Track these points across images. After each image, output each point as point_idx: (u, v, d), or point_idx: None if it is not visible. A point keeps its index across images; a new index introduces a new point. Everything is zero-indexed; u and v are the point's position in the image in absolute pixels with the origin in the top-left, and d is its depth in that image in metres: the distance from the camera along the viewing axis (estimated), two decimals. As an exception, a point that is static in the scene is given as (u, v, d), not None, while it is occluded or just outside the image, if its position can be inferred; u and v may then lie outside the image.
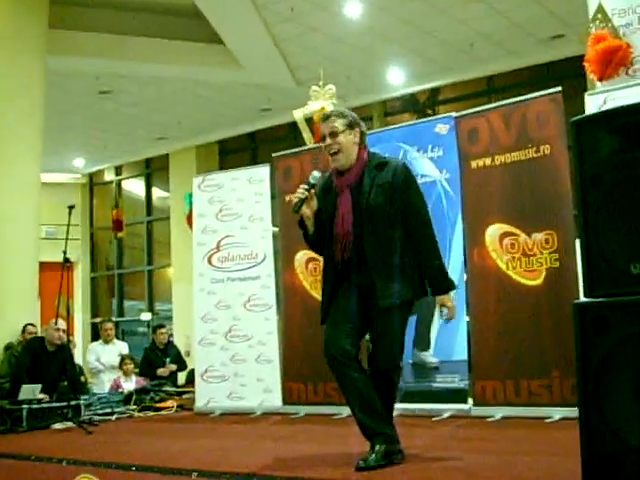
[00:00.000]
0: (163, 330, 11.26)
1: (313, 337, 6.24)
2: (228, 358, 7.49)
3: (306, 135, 10.61)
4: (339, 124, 4.27)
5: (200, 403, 7.66)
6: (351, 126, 4.30)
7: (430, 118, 7.43)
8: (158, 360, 10.92)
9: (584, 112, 5.12)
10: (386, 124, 14.60)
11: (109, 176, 21.16)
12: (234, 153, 17.99)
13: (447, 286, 4.27)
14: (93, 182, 21.50)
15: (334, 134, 4.26)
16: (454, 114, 6.54)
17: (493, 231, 6.14)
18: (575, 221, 5.84)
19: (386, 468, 3.95)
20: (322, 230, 4.31)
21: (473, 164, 6.29)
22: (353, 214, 4.23)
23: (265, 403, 7.12)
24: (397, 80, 14.14)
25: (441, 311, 4.36)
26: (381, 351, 4.25)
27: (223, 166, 17.05)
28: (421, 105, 15.41)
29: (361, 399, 4.18)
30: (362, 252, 4.19)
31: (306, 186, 4.25)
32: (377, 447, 4.06)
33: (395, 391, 4.42)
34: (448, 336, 6.35)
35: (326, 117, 4.35)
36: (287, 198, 5.23)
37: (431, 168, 6.56)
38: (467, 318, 6.30)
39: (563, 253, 5.80)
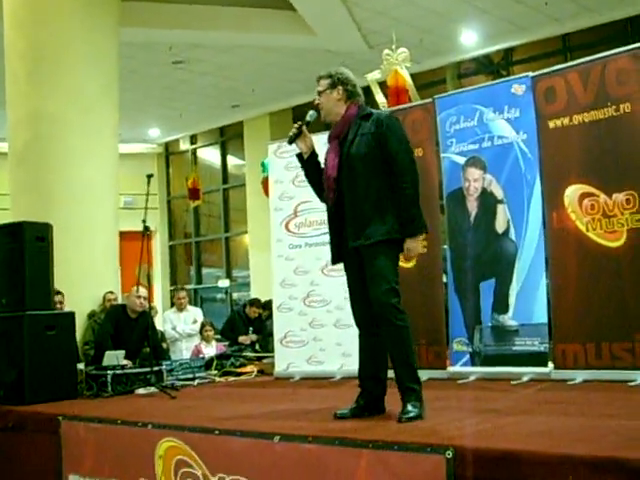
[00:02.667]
0: (255, 309, 11.39)
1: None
2: (307, 323, 7.53)
3: (379, 99, 10.55)
4: (321, 85, 4.78)
5: (280, 368, 7.73)
6: (333, 85, 4.74)
7: (506, 78, 7.29)
8: (242, 327, 11.07)
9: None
10: (460, 86, 14.42)
11: (184, 145, 21.36)
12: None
13: (411, 231, 4.53)
14: (169, 151, 21.73)
15: (318, 93, 4.80)
16: (531, 74, 6.40)
17: (572, 192, 6.03)
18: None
19: (469, 429, 3.95)
20: (321, 176, 4.79)
21: (551, 124, 6.17)
22: (338, 163, 4.64)
23: (344, 367, 7.14)
24: (470, 41, 13.95)
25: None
26: (370, 293, 4.55)
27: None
28: (495, 66, 15.18)
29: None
30: (343, 197, 4.63)
31: (300, 122, 4.80)
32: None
33: (402, 336, 4.53)
34: (527, 299, 6.27)
35: (317, 79, 4.83)
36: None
37: (508, 129, 6.45)
38: (547, 281, 6.22)
39: (645, 213, 5.68)
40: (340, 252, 4.74)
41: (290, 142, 4.84)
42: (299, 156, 4.92)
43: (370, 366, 4.71)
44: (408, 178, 4.52)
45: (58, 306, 8.74)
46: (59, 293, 8.74)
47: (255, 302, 11.65)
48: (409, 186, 4.51)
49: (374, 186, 4.53)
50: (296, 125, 4.79)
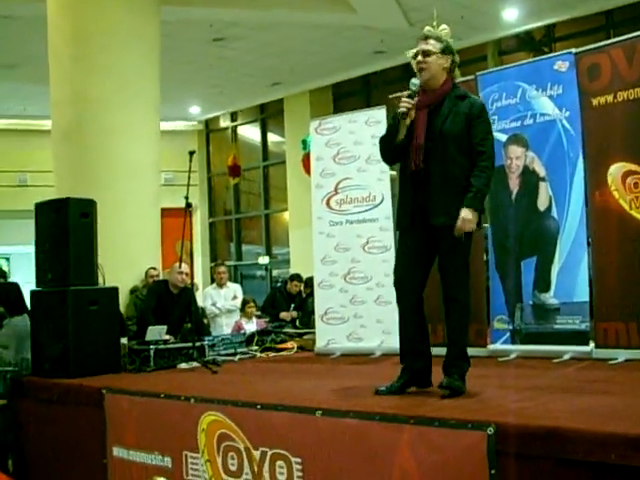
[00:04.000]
0: (297, 283, 11.45)
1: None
2: (347, 300, 7.54)
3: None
4: (433, 45, 4.60)
5: (320, 344, 7.77)
6: (444, 51, 4.62)
7: (549, 55, 7.22)
8: (283, 303, 11.13)
9: None
10: (501, 63, 14.29)
11: (225, 122, 21.43)
12: (348, 97, 17.97)
13: (470, 203, 4.45)
14: (209, 129, 21.82)
15: (427, 53, 4.59)
16: (574, 50, 6.34)
17: (615, 170, 5.97)
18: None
19: (510, 406, 3.97)
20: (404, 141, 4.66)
21: (594, 101, 6.11)
22: (427, 133, 4.56)
23: (384, 344, 7.16)
24: (512, 17, 13.81)
25: None
26: (444, 271, 4.61)
27: (337, 110, 17.04)
28: (537, 43, 15.00)
29: None
30: (429, 170, 4.54)
31: (408, 93, 4.58)
32: None
33: (465, 314, 4.67)
34: (569, 277, 6.24)
35: (425, 37, 4.66)
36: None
37: (550, 107, 6.40)
38: (589, 259, 6.18)
39: (689, 191, 5.62)
40: (412, 219, 4.64)
41: (403, 117, 4.58)
42: (393, 125, 4.74)
43: (411, 341, 4.72)
44: (489, 163, 4.54)
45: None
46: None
47: (295, 277, 11.71)
48: (488, 167, 4.52)
49: (462, 165, 4.52)
50: (409, 99, 4.55)
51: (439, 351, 4.67)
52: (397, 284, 4.75)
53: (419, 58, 4.61)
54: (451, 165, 4.50)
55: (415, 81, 4.59)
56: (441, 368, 4.56)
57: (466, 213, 4.43)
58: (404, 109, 4.55)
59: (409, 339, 4.73)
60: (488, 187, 4.56)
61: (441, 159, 4.51)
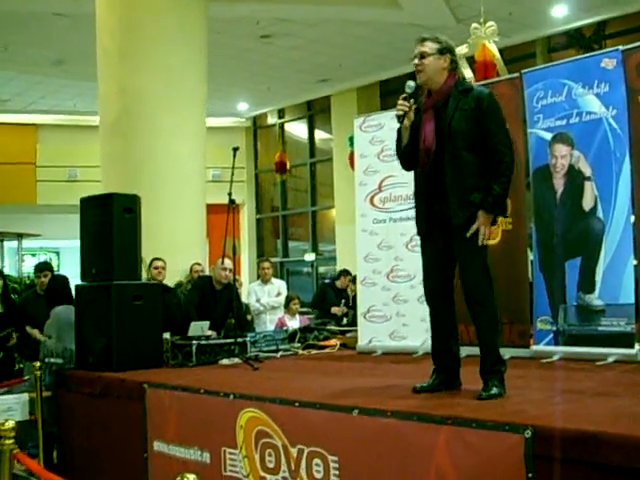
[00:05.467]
0: (349, 277, 11.45)
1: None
2: (390, 298, 7.52)
3: (467, 73, 10.43)
4: (428, 47, 4.62)
5: (362, 342, 7.75)
6: (442, 52, 4.62)
7: (596, 52, 7.11)
8: (334, 298, 11.14)
9: None
10: (550, 61, 14.13)
11: (272, 119, 21.50)
12: (395, 94, 17.86)
13: (488, 206, 4.46)
14: (257, 125, 21.91)
15: (423, 55, 4.62)
16: (621, 47, 6.24)
17: (663, 170, 5.88)
18: None
19: (549, 408, 3.93)
20: (413, 145, 4.67)
21: (642, 99, 6.02)
22: (435, 134, 4.56)
23: (427, 343, 7.11)
24: (561, 14, 13.66)
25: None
26: (463, 275, 4.58)
27: (384, 107, 16.96)
28: (587, 40, 14.80)
29: None
30: (442, 171, 4.52)
31: (404, 95, 4.63)
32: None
33: (493, 318, 4.57)
34: (614, 278, 6.14)
35: (422, 39, 4.68)
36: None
37: (597, 105, 6.30)
38: (635, 261, 6.09)
39: None
40: (430, 223, 4.68)
41: (400, 121, 4.65)
42: (399, 130, 4.77)
43: (442, 341, 4.74)
44: (507, 159, 4.52)
45: (155, 272, 8.94)
46: (159, 259, 8.94)
47: (344, 273, 11.73)
48: (508, 167, 4.51)
49: (475, 163, 4.50)
50: (404, 103, 4.61)
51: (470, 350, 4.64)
52: (425, 289, 4.79)
53: (415, 61, 4.66)
54: (463, 163, 4.49)
55: (411, 83, 4.65)
56: (475, 368, 4.53)
57: (483, 217, 4.46)
58: (400, 112, 4.61)
59: (439, 340, 4.76)
60: (508, 189, 4.54)
61: (452, 158, 4.51)
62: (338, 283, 11.58)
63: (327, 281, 12.58)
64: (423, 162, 4.61)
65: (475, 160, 4.49)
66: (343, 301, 11.19)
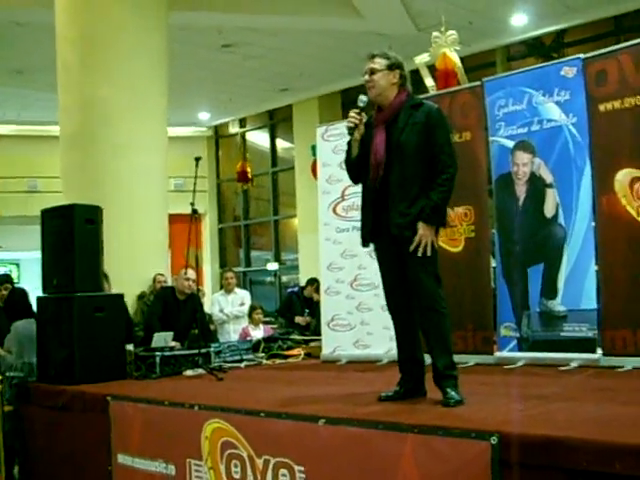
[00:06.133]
0: (316, 285, 11.45)
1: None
2: (354, 306, 7.52)
3: (428, 82, 10.49)
4: (378, 63, 4.71)
5: (327, 351, 7.74)
6: (391, 67, 4.70)
7: (556, 61, 7.18)
8: (299, 308, 11.13)
9: None
10: (510, 69, 14.26)
11: (234, 128, 21.47)
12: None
13: (426, 217, 4.52)
14: (218, 134, 21.87)
15: (372, 72, 4.71)
16: (581, 55, 6.30)
17: (623, 176, 5.93)
18: None
19: (515, 415, 3.94)
20: (362, 158, 4.73)
21: (601, 107, 6.07)
22: (385, 148, 4.61)
23: (391, 351, 7.12)
24: (521, 23, 13.80)
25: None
26: (413, 283, 4.60)
27: (346, 116, 16.88)
28: (546, 48, 14.96)
29: None
30: (389, 183, 4.59)
31: (357, 110, 4.71)
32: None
33: (445, 324, 4.61)
34: (576, 284, 6.20)
35: (372, 56, 4.76)
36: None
37: (557, 112, 6.36)
38: (596, 266, 6.15)
39: (698, 197, 5.58)
40: (373, 235, 4.75)
41: (350, 134, 4.75)
42: (349, 142, 4.86)
43: (407, 349, 4.76)
44: (451, 170, 4.57)
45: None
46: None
47: (311, 281, 11.73)
48: (449, 179, 4.56)
49: (420, 176, 4.56)
50: (355, 115, 4.71)
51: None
52: (386, 300, 4.86)
53: (366, 77, 4.74)
54: (410, 177, 4.55)
55: (363, 97, 4.74)
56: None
57: (423, 228, 4.51)
58: (351, 124, 4.70)
59: (404, 348, 4.79)
60: (448, 199, 4.61)
61: (400, 172, 4.57)
62: (305, 292, 11.58)
63: (295, 290, 12.57)
64: (373, 175, 4.66)
65: (421, 173, 4.56)
66: (307, 311, 11.18)
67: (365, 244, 4.85)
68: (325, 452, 4.07)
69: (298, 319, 11.02)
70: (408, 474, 3.68)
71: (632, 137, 5.91)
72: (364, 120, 4.76)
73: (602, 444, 3.14)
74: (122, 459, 5.46)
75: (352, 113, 4.73)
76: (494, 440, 3.37)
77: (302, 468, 4.15)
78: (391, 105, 4.72)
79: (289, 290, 12.84)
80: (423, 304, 4.57)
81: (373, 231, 4.73)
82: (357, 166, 4.81)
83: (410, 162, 4.56)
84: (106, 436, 5.58)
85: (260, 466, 4.38)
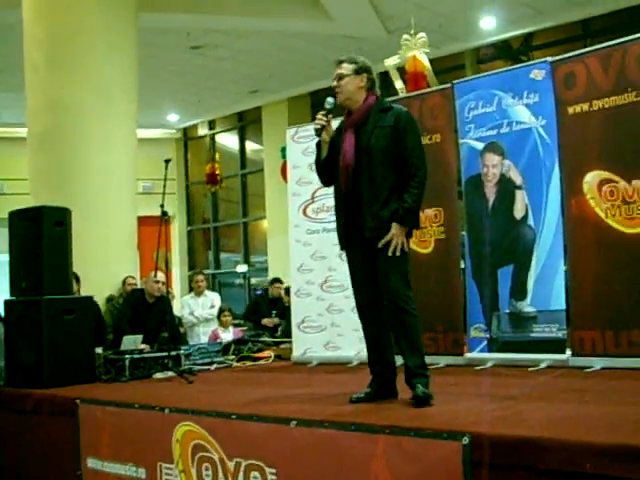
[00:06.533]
0: (279, 285, 11.49)
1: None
2: (324, 308, 7.53)
3: (398, 84, 10.52)
4: (345, 68, 4.76)
5: (297, 353, 7.74)
6: (358, 72, 4.75)
7: (525, 64, 7.24)
8: (265, 310, 11.12)
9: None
10: (479, 72, 14.29)
11: (203, 130, 21.39)
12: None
13: (400, 219, 4.58)
14: (187, 136, 21.78)
15: (340, 77, 4.76)
16: (550, 59, 6.36)
17: (591, 178, 5.98)
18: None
19: (485, 415, 3.96)
20: (332, 162, 4.78)
21: (570, 110, 6.13)
22: (355, 151, 4.67)
23: (362, 353, 7.12)
24: (490, 26, 13.87)
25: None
26: (384, 281, 4.62)
27: (315, 118, 16.99)
28: (515, 51, 15.07)
29: None
30: (359, 186, 4.63)
31: (323, 112, 4.77)
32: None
33: (415, 325, 4.64)
34: (545, 285, 6.24)
35: (339, 61, 4.81)
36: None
37: (527, 115, 6.41)
38: (565, 267, 6.19)
39: (665, 200, 5.64)
40: (350, 238, 4.78)
41: (318, 134, 4.80)
42: (318, 144, 4.90)
43: (377, 351, 4.80)
44: (421, 173, 4.62)
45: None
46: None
47: (276, 280, 11.75)
48: (421, 181, 4.61)
49: (391, 178, 4.61)
50: (322, 117, 4.76)
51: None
52: (356, 302, 4.91)
53: (334, 83, 4.79)
54: (379, 178, 4.60)
55: (330, 99, 4.79)
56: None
57: (395, 228, 4.56)
58: (318, 126, 4.76)
59: (374, 350, 4.82)
60: (420, 202, 4.66)
61: (370, 175, 4.61)
62: (270, 292, 11.58)
63: (258, 292, 12.57)
64: (343, 179, 4.71)
65: (391, 176, 4.61)
66: (274, 312, 11.18)
67: (342, 248, 4.90)
68: (297, 454, 4.07)
69: (265, 321, 11.00)
70: (380, 475, 3.69)
71: (600, 139, 5.97)
72: (331, 122, 4.81)
73: (572, 444, 3.16)
74: (92, 463, 5.42)
75: (319, 115, 4.78)
76: (465, 440, 3.39)
77: (274, 470, 4.15)
78: (359, 109, 4.77)
79: (255, 293, 12.80)
80: (393, 306, 4.60)
81: (347, 235, 4.77)
82: (327, 168, 4.84)
83: (379, 165, 4.60)
84: (75, 440, 5.54)
85: (231, 469, 4.37)
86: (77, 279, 8.80)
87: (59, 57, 10.02)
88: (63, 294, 6.68)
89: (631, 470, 2.95)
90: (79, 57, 10.04)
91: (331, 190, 7.19)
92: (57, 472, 5.80)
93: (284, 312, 11.25)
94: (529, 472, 3.25)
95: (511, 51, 15.09)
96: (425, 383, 4.48)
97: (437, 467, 3.49)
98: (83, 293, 8.29)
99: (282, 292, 11.44)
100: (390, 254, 4.54)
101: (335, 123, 4.93)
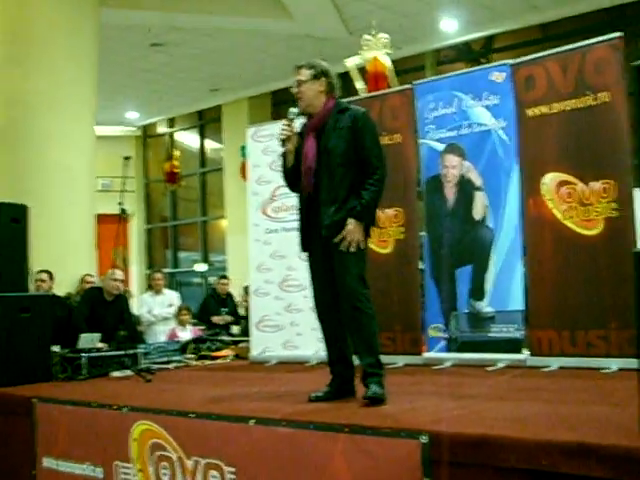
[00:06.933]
0: (225, 281, 11.55)
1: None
2: (283, 308, 7.53)
3: (359, 84, 10.56)
4: (303, 74, 4.80)
5: (256, 352, 7.73)
6: (317, 77, 4.79)
7: (485, 65, 7.30)
8: (215, 308, 11.11)
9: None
10: (439, 73, 14.33)
11: (162, 128, 21.28)
12: (287, 104, 17.92)
13: (356, 215, 4.59)
14: (147, 134, 21.64)
15: (299, 83, 4.80)
16: (510, 61, 6.42)
17: (549, 180, 6.04)
18: (634, 170, 5.76)
19: (444, 414, 3.98)
20: (297, 167, 4.81)
21: (529, 112, 6.18)
22: (316, 154, 4.71)
23: (320, 352, 7.12)
24: (451, 28, 13.97)
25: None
26: (341, 281, 4.64)
27: (276, 117, 16.99)
28: (475, 54, 15.20)
29: None
30: (319, 188, 4.68)
31: (287, 122, 4.80)
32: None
33: (371, 325, 4.66)
34: (503, 286, 6.30)
35: (297, 67, 4.86)
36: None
37: (486, 117, 6.46)
38: (523, 268, 6.25)
39: (621, 202, 5.69)
40: (310, 239, 4.80)
41: (283, 144, 4.83)
42: (284, 154, 4.92)
43: (336, 351, 4.81)
44: (380, 172, 4.66)
45: (42, 284, 8.70)
46: (46, 272, 8.70)
47: (224, 276, 11.84)
48: (379, 179, 4.65)
49: (349, 177, 4.63)
50: (286, 127, 4.78)
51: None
52: (315, 303, 4.90)
53: (294, 89, 4.84)
54: (339, 181, 4.63)
55: (293, 110, 4.84)
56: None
57: (351, 224, 4.58)
58: (283, 136, 4.78)
59: (333, 349, 4.84)
60: (378, 199, 4.70)
61: (329, 176, 4.65)
62: (218, 291, 11.57)
63: (208, 293, 12.56)
64: (305, 182, 4.75)
65: (350, 176, 4.64)
66: (224, 310, 11.18)
67: (303, 250, 4.92)
68: (255, 453, 4.06)
69: (215, 319, 11.02)
70: (339, 474, 3.69)
71: (559, 142, 6.03)
72: (296, 130, 4.84)
73: (529, 442, 3.19)
74: (47, 463, 5.36)
75: (283, 125, 4.80)
76: (424, 439, 3.40)
77: (232, 469, 4.13)
78: (320, 113, 4.80)
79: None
80: (348, 305, 4.62)
81: (307, 236, 4.80)
82: (294, 176, 4.86)
83: (338, 167, 4.63)
84: (30, 439, 5.47)
85: (190, 467, 4.35)
86: (50, 276, 8.76)
87: (17, 52, 9.94)
88: (19, 291, 6.60)
89: (583, 466, 2.99)
90: (38, 52, 9.96)
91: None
92: (11, 472, 5.72)
93: (235, 309, 11.29)
94: (487, 469, 3.28)
95: (472, 53, 15.20)
96: (379, 382, 4.50)
97: (396, 466, 3.50)
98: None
99: (229, 288, 11.50)
100: (344, 249, 4.57)
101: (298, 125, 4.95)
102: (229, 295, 11.64)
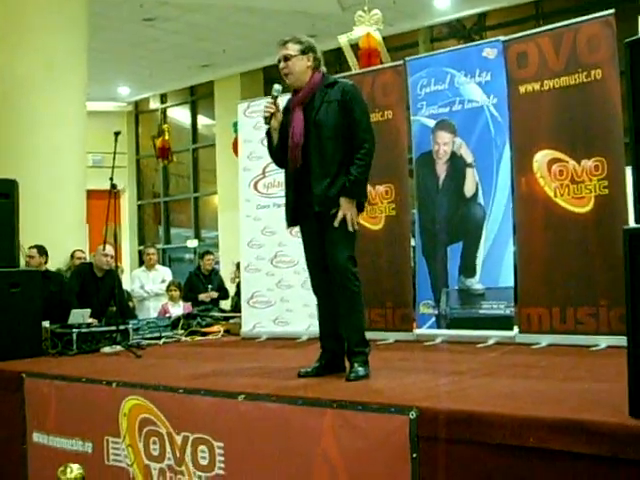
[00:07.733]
0: (209, 257, 11.50)
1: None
2: (274, 283, 7.53)
3: (351, 61, 10.52)
4: (291, 49, 4.78)
5: (246, 328, 7.74)
6: (304, 52, 4.78)
7: (478, 42, 7.27)
8: (201, 285, 11.11)
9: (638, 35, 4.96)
10: (432, 50, 14.37)
11: (154, 104, 21.21)
12: (279, 80, 17.86)
13: (348, 192, 4.58)
14: (138, 110, 21.57)
15: (287, 58, 4.77)
16: (502, 38, 6.39)
17: (541, 157, 6.04)
18: (626, 148, 5.75)
19: (433, 390, 3.99)
20: (284, 143, 4.79)
21: (522, 89, 6.16)
22: (304, 128, 4.69)
23: (311, 328, 7.15)
24: (444, 5, 13.90)
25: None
26: (330, 258, 4.65)
27: (268, 93, 16.88)
28: (468, 31, 15.16)
29: None
30: (309, 162, 4.65)
31: (271, 100, 4.80)
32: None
33: (358, 302, 4.69)
34: (494, 263, 6.31)
35: (284, 42, 4.83)
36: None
37: (478, 93, 6.44)
38: (514, 246, 6.25)
39: (612, 180, 5.69)
40: (297, 215, 4.80)
41: (267, 123, 4.82)
42: (268, 132, 4.91)
43: (329, 325, 4.82)
44: (368, 145, 4.64)
45: (30, 260, 8.69)
46: (36, 247, 8.69)
47: (207, 252, 11.84)
48: (367, 153, 4.63)
49: (339, 152, 4.62)
50: (269, 105, 4.77)
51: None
52: (310, 279, 4.93)
53: (281, 64, 4.81)
54: (327, 153, 4.61)
55: (277, 86, 4.80)
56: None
57: (344, 202, 4.58)
58: (267, 114, 4.79)
59: (326, 324, 4.85)
60: (367, 173, 4.68)
61: (319, 151, 4.63)
62: (202, 267, 11.54)
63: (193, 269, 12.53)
64: (293, 157, 4.72)
65: (339, 149, 4.62)
66: (210, 286, 11.17)
67: (289, 225, 4.94)
68: (244, 428, 4.07)
69: (202, 296, 11.00)
70: (327, 449, 3.70)
71: (551, 119, 6.02)
72: (280, 107, 4.83)
73: (516, 418, 3.20)
74: (37, 437, 5.37)
75: (267, 103, 4.80)
76: (413, 415, 3.41)
77: (221, 444, 4.15)
78: (306, 87, 4.77)
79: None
80: (336, 281, 4.63)
81: (297, 212, 4.77)
82: (281, 152, 4.84)
83: (328, 140, 4.62)
84: (20, 414, 5.48)
85: (179, 443, 4.36)
86: (44, 252, 8.75)
87: (6, 28, 9.87)
88: (10, 267, 6.59)
89: (570, 443, 3.00)
90: (27, 28, 9.90)
91: (282, 165, 7.25)
92: (2, 446, 5.73)
93: (222, 283, 11.29)
94: (475, 446, 3.28)
95: (464, 30, 15.16)
96: (363, 360, 4.54)
97: (385, 441, 3.51)
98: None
99: (213, 264, 11.51)
100: (351, 229, 4.56)
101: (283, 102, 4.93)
102: (214, 270, 11.63)
